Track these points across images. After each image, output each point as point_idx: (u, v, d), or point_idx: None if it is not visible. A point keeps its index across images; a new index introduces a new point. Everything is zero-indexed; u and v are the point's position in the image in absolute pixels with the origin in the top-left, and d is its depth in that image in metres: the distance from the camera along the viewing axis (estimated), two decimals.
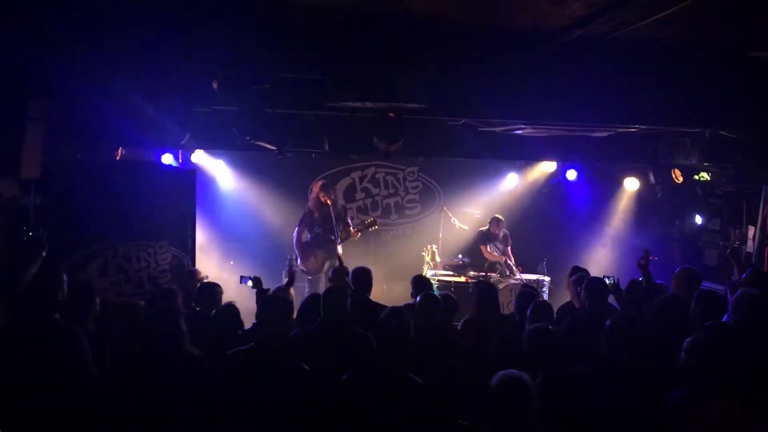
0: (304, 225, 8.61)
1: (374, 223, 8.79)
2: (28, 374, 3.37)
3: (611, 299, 5.54)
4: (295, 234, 8.67)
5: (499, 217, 9.40)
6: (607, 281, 5.60)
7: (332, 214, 8.32)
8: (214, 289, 5.38)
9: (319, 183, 8.79)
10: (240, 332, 4.75)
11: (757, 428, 3.45)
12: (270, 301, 4.03)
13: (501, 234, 9.30)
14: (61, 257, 5.49)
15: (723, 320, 4.43)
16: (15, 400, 3.35)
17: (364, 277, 5.66)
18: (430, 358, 4.10)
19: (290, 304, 4.25)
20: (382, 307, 5.46)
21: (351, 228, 8.62)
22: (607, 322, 3.87)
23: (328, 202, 8.37)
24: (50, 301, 3.73)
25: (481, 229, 9.48)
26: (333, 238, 8.32)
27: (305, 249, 8.60)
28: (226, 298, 5.43)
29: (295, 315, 5.50)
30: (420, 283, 5.75)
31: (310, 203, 8.66)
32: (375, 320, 3.98)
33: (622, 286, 5.74)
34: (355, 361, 3.88)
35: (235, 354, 3.78)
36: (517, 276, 8.95)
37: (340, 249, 8.31)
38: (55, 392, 3.32)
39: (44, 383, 3.33)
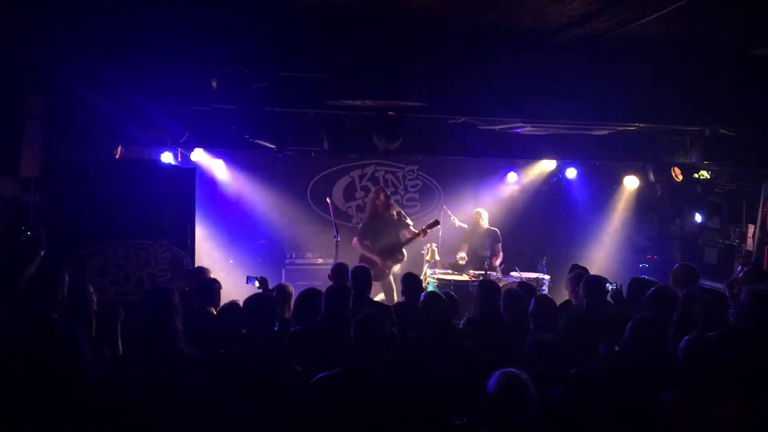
0: (364, 234, 8.49)
1: (437, 223, 8.70)
2: (24, 372, 3.38)
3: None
4: (356, 242, 8.51)
5: (479, 210, 9.36)
6: (610, 287, 5.54)
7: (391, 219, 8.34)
8: (212, 285, 5.38)
9: (380, 191, 8.70)
10: (244, 331, 4.75)
11: (754, 428, 3.44)
12: (254, 300, 3.99)
13: (484, 229, 9.23)
14: (60, 256, 5.47)
15: (728, 318, 4.42)
16: (11, 398, 3.35)
17: (363, 276, 5.64)
18: (431, 357, 4.09)
19: (275, 301, 4.22)
20: (382, 306, 5.48)
21: (414, 230, 8.52)
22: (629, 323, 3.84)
23: (393, 212, 8.36)
24: (49, 300, 3.73)
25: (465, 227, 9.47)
26: (397, 241, 8.37)
27: (370, 255, 8.43)
28: (225, 296, 5.43)
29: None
30: (410, 280, 5.74)
31: (371, 211, 8.56)
32: None
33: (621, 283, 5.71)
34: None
35: (228, 354, 3.77)
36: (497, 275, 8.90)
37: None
38: (51, 390, 3.33)
39: (40, 381, 3.33)
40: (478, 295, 5.36)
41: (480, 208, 9.43)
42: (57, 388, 3.32)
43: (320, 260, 9.80)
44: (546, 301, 4.88)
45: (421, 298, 4.80)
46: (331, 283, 5.73)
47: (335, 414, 3.44)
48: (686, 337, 3.59)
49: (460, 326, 5.19)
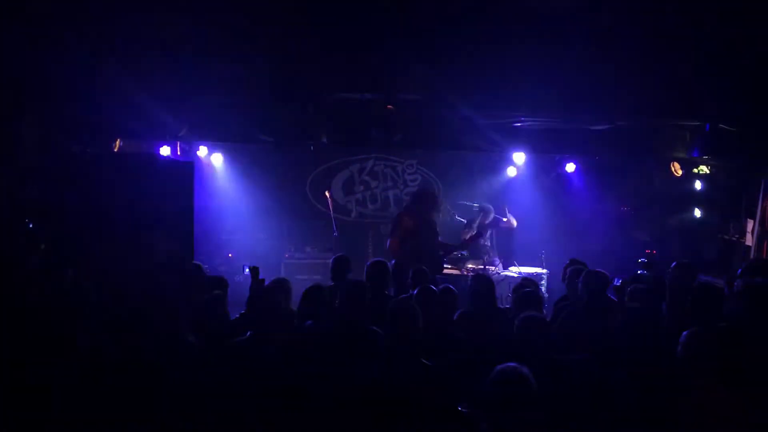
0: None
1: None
2: (26, 365, 3.39)
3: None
4: None
5: (487, 206, 9.29)
6: (618, 282, 5.52)
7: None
8: (220, 282, 5.37)
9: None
10: (228, 321, 4.75)
11: (754, 425, 3.44)
12: (267, 292, 4.01)
13: (490, 222, 9.18)
14: (59, 250, 5.46)
15: (725, 313, 4.41)
16: (15, 392, 3.37)
17: (381, 271, 5.52)
18: (428, 351, 4.08)
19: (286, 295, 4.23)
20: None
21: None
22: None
23: None
24: (51, 293, 3.73)
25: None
26: None
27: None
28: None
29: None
30: (420, 275, 5.71)
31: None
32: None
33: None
34: (365, 357, 3.85)
35: (234, 344, 3.78)
36: (495, 268, 8.86)
37: None
38: (52, 383, 3.35)
39: (42, 374, 3.35)
40: (470, 289, 5.35)
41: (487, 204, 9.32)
42: (57, 383, 3.35)
43: (319, 255, 9.78)
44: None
45: (414, 292, 4.80)
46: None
47: (342, 404, 3.47)
48: (685, 332, 3.59)
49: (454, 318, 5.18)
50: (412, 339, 3.83)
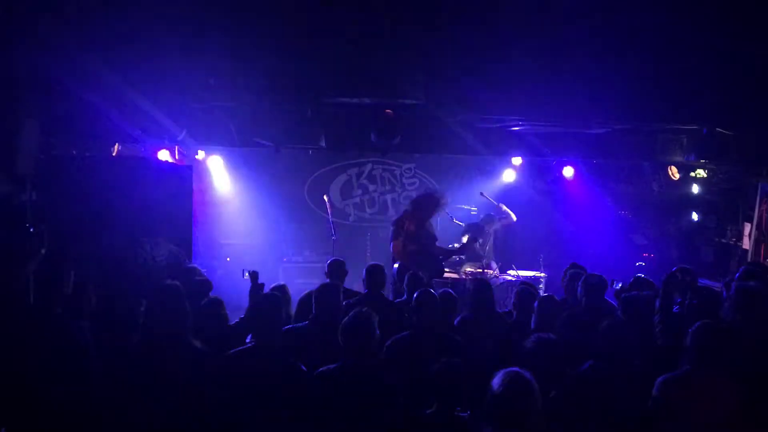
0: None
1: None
2: (29, 368, 3.40)
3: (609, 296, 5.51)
4: None
5: (491, 215, 9.33)
6: (617, 286, 5.53)
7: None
8: (203, 284, 5.37)
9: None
10: (227, 326, 4.76)
11: (753, 421, 3.45)
12: (266, 299, 4.02)
13: (491, 230, 9.22)
14: (59, 253, 5.45)
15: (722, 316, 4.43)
16: (16, 394, 3.37)
17: (377, 274, 5.58)
18: (429, 354, 4.09)
19: (280, 301, 4.23)
20: (394, 303, 5.49)
21: None
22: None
23: None
24: (55, 297, 3.73)
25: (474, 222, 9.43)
26: None
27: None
28: (223, 294, 5.41)
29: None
30: (414, 281, 5.72)
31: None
32: (389, 317, 3.97)
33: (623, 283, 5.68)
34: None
35: (238, 353, 3.78)
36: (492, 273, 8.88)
37: None
38: (55, 386, 3.35)
39: (45, 377, 3.36)
40: (469, 293, 5.36)
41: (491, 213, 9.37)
42: (59, 383, 3.35)
43: (318, 259, 9.78)
44: (550, 301, 4.92)
45: (414, 296, 4.81)
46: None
47: (337, 407, 3.47)
48: (697, 323, 3.60)
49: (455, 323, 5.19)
50: (370, 352, 3.74)
